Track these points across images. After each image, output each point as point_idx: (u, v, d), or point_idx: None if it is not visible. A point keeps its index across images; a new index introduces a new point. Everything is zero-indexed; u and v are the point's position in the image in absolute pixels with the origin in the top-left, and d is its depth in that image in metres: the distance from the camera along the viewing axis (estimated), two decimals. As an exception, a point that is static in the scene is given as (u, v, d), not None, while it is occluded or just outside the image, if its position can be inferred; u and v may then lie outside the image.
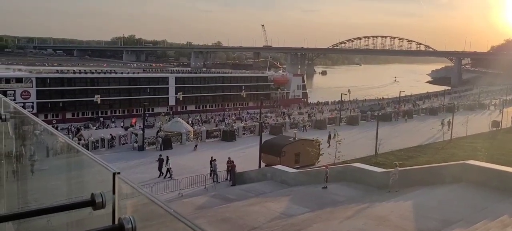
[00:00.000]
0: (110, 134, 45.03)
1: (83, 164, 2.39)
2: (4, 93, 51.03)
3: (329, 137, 41.31)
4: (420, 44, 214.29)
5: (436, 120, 52.77)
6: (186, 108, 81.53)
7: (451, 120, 47.67)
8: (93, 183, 2.16)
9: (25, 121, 3.63)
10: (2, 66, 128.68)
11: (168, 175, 30.40)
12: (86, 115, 71.20)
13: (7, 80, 66.06)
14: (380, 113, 51.11)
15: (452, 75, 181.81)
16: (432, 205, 16.82)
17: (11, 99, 4.88)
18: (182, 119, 52.92)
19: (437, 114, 66.88)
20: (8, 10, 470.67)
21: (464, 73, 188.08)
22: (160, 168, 30.82)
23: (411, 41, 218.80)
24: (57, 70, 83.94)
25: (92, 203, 1.79)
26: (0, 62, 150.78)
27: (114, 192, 1.71)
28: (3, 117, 3.45)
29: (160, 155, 32.23)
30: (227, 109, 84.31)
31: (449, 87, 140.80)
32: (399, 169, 21.23)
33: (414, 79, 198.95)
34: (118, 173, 1.71)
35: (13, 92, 62.97)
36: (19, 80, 67.05)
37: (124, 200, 1.75)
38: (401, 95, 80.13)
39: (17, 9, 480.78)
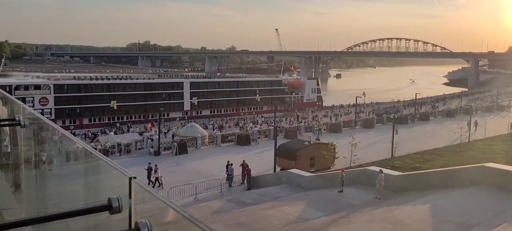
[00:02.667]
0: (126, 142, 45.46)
1: (100, 169, 2.42)
2: (23, 100, 51.93)
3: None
4: (436, 45, 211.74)
5: (453, 122, 51.99)
6: (201, 113, 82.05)
7: (477, 121, 47.78)
8: (110, 188, 2.19)
9: (44, 127, 3.70)
10: (21, 73, 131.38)
11: (157, 184, 29.10)
12: (103, 121, 72.09)
13: (26, 87, 67.31)
14: (396, 116, 50.60)
15: (469, 76, 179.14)
16: (450, 209, 16.55)
17: (29, 106, 4.98)
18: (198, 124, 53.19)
19: (454, 116, 65.92)
20: (27, 19, 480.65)
21: (481, 74, 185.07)
22: (148, 177, 29.56)
23: (427, 42, 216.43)
24: (74, 76, 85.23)
25: (109, 207, 1.81)
26: (18, 70, 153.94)
27: (130, 197, 1.73)
28: (22, 123, 3.52)
29: (149, 163, 30.83)
30: (242, 114, 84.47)
31: (466, 89, 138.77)
32: (384, 174, 21.03)
33: (430, 81, 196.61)
34: (134, 178, 1.73)
35: (31, 99, 64.11)
36: (37, 87, 68.29)
37: (141, 204, 1.76)
38: (417, 97, 79.21)
39: (35, 18, 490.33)
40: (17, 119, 3.58)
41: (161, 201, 1.60)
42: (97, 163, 2.43)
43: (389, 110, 72.57)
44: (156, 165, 30.50)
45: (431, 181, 21.02)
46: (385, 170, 24.30)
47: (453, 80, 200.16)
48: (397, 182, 21.91)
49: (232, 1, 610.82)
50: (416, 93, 76.68)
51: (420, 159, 36.16)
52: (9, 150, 5.28)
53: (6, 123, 4.19)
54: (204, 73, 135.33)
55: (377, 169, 24.42)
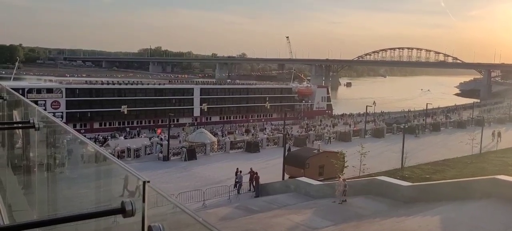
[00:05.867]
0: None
1: (113, 172, 2.44)
2: (35, 103, 52.28)
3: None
4: (448, 56, 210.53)
5: (464, 133, 51.48)
6: (210, 119, 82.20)
7: (501, 132, 47.52)
8: (122, 191, 2.21)
9: (57, 130, 3.74)
10: (34, 77, 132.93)
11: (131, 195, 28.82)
12: (113, 125, 72.54)
13: (38, 90, 68.09)
14: (406, 126, 50.24)
15: (481, 87, 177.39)
16: (461, 221, 16.35)
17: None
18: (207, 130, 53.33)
19: (466, 127, 65.24)
20: (41, 23, 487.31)
21: (493, 85, 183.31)
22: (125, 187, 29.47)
23: (439, 52, 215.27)
24: (86, 81, 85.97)
25: (122, 210, 1.83)
26: (32, 73, 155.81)
27: (144, 200, 1.74)
28: (36, 125, 3.56)
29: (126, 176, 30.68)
30: (251, 121, 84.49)
31: (478, 100, 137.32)
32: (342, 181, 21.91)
33: (441, 91, 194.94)
34: (148, 182, 1.74)
35: (43, 102, 64.80)
36: (49, 90, 69.04)
37: (153, 208, 1.78)
38: (429, 107, 78.59)
39: (49, 22, 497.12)
40: (31, 121, 3.63)
41: (175, 205, 1.61)
42: (110, 166, 2.46)
43: (400, 120, 72.00)
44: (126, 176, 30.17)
45: (441, 193, 20.80)
46: (395, 180, 24.14)
47: (464, 91, 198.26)
48: (407, 192, 21.72)
49: (244, 8, 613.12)
50: (427, 104, 76.09)
51: (431, 169, 35.80)
52: (21, 152, 5.35)
53: (21, 125, 4.25)
54: (214, 80, 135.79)
55: (387, 179, 24.27)
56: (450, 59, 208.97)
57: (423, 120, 76.14)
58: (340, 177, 23.62)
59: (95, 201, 2.88)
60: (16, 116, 5.59)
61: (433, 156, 42.11)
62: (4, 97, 5.44)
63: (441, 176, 31.92)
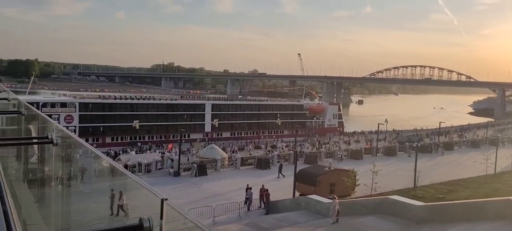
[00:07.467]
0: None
1: (129, 188, 2.49)
2: (49, 116, 53.13)
3: None
4: (461, 74, 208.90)
5: (478, 153, 50.78)
6: (221, 135, 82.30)
7: None
8: (139, 207, 2.25)
9: (74, 145, 3.81)
10: (48, 91, 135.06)
11: (122, 213, 28.63)
12: (125, 140, 73.04)
13: (53, 104, 69.01)
14: (419, 145, 49.77)
15: (495, 106, 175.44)
16: (475, 242, 16.06)
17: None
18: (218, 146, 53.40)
19: (480, 147, 64.40)
20: (56, 38, 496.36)
21: (508, 104, 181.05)
22: (111, 205, 29.03)
23: (452, 71, 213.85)
24: (99, 95, 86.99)
25: (140, 227, 1.86)
26: (46, 88, 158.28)
27: (162, 217, 1.78)
28: (55, 141, 3.64)
29: (112, 190, 30.59)
30: (262, 137, 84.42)
31: (492, 119, 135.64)
32: (337, 201, 22.41)
33: (454, 110, 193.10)
34: (166, 199, 1.78)
35: (57, 116, 65.57)
36: (63, 105, 69.95)
37: (170, 223, 1.81)
38: (442, 126, 77.84)
39: (64, 38, 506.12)
40: (49, 136, 3.71)
41: (192, 222, 1.64)
42: (126, 182, 2.50)
43: (412, 139, 71.36)
44: (120, 192, 30.05)
45: (454, 213, 20.48)
46: (407, 200, 23.83)
47: (478, 110, 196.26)
48: (420, 212, 21.41)
49: (255, 25, 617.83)
50: (440, 122, 75.39)
51: (444, 189, 35.30)
52: (37, 167, 5.43)
53: (39, 141, 4.34)
54: (226, 96, 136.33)
55: (400, 198, 23.99)
56: (463, 78, 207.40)
57: (436, 138, 75.37)
58: (335, 197, 23.54)
59: (111, 216, 2.92)
60: (32, 130, 5.69)
61: (447, 175, 41.56)
62: (22, 112, 5.55)
63: (454, 196, 31.46)
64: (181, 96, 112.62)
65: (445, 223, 19.29)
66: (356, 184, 34.63)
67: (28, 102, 6.53)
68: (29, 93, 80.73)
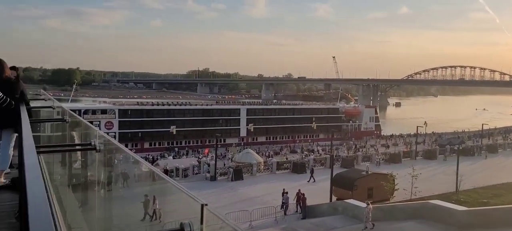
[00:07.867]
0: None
1: (169, 193, 2.54)
2: (90, 123, 55.00)
3: None
4: (504, 74, 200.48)
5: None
6: (256, 139, 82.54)
7: None
8: (179, 212, 2.29)
9: (116, 151, 3.93)
10: (89, 98, 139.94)
11: (155, 217, 29.18)
12: (162, 145, 74.50)
13: (94, 111, 71.45)
14: (461, 147, 48.14)
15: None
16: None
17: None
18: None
19: (526, 149, 61.67)
20: (96, 47, 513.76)
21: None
22: (145, 211, 29.51)
23: (494, 70, 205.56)
24: (137, 102, 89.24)
25: (180, 231, 1.90)
26: (87, 95, 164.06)
27: (202, 222, 1.80)
28: (98, 148, 3.77)
29: (146, 195, 31.01)
30: (298, 141, 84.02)
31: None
32: (371, 206, 22.18)
33: (498, 111, 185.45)
34: (206, 205, 1.81)
35: (98, 122, 67.74)
36: (104, 111, 72.27)
37: (208, 227, 1.83)
38: (485, 128, 74.95)
39: (104, 47, 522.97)
40: (93, 143, 3.84)
41: (232, 228, 1.66)
42: (167, 187, 2.56)
43: (453, 141, 69.06)
44: (154, 196, 30.47)
45: (500, 218, 19.67)
46: (449, 205, 23.10)
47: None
48: (462, 218, 20.69)
49: (289, 30, 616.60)
50: (482, 124, 72.67)
51: (488, 193, 33.97)
52: (80, 172, 5.63)
53: (83, 147, 4.49)
54: (260, 100, 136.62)
55: (441, 202, 23.28)
56: (507, 78, 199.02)
57: (479, 141, 72.67)
58: (369, 203, 23.14)
59: (152, 220, 2.99)
60: (76, 136, 5.90)
61: (491, 179, 39.99)
62: (66, 120, 5.77)
63: (499, 200, 30.24)
64: (217, 102, 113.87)
65: (489, 229, 18.55)
66: (395, 188, 33.86)
67: (71, 110, 6.78)
68: (72, 101, 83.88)
